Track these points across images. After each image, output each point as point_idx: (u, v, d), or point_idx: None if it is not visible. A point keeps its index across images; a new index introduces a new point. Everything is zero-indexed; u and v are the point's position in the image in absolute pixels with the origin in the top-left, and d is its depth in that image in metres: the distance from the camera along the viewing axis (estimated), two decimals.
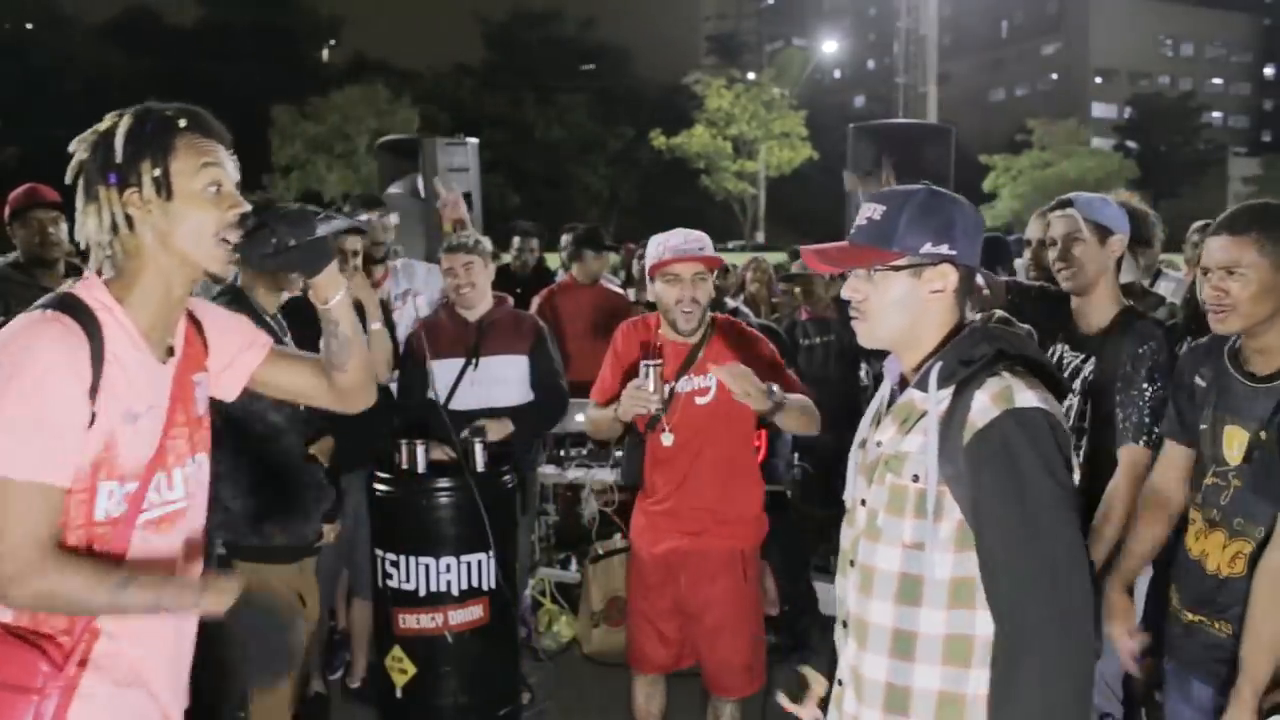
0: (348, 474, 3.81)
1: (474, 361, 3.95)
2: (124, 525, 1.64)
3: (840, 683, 1.86)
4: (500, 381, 3.96)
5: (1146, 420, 2.66)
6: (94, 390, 1.58)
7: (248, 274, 3.27)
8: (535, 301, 5.72)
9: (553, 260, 7.72)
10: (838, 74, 72.70)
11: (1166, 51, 70.77)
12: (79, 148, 1.68)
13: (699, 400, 3.18)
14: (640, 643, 3.33)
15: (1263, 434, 2.20)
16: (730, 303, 6.45)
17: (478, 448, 3.63)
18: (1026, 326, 1.84)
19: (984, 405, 1.63)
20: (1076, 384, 2.80)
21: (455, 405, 3.91)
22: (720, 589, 3.20)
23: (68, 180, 1.68)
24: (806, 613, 4.55)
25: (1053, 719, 1.58)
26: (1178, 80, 67.28)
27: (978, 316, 1.79)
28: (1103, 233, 2.78)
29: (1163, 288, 4.30)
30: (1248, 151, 57.16)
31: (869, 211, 1.77)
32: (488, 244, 4.10)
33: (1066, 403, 2.80)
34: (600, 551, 4.58)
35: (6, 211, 4.18)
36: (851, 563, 1.81)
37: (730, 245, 39.31)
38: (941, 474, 1.66)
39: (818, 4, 70.48)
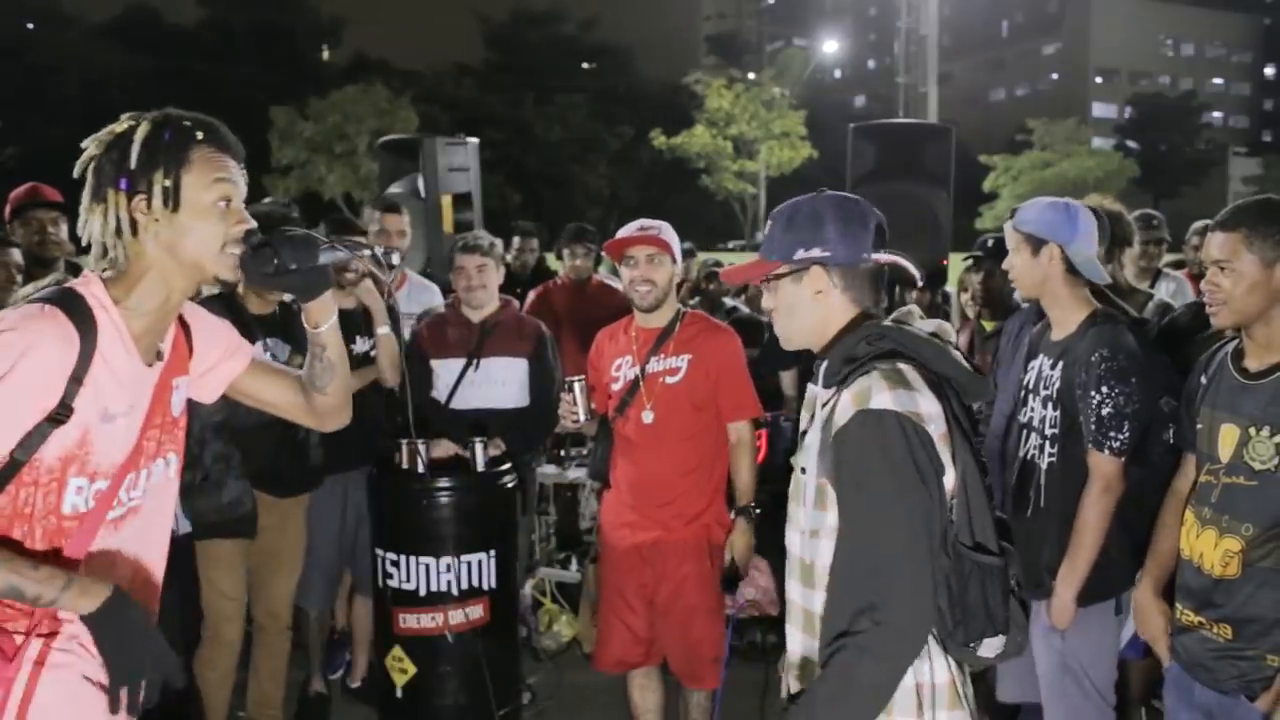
0: (349, 473, 3.82)
1: (475, 362, 3.95)
2: (91, 522, 1.66)
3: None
4: (499, 383, 3.97)
5: (1094, 428, 2.62)
6: (77, 387, 1.59)
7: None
8: (529, 298, 5.62)
9: (553, 260, 7.72)
10: (838, 74, 72.76)
11: (1167, 51, 70.82)
12: (92, 145, 1.68)
13: (669, 380, 3.26)
14: (608, 639, 3.37)
15: (1252, 430, 2.21)
16: (729, 302, 6.45)
17: (478, 448, 3.64)
18: (935, 322, 1.85)
19: (845, 405, 1.72)
20: (1049, 391, 2.75)
21: (455, 405, 3.93)
22: (687, 577, 3.25)
23: (76, 175, 1.69)
24: None
25: (841, 704, 1.65)
26: (1178, 80, 67.33)
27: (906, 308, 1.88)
28: (1034, 243, 2.73)
29: (1163, 288, 4.30)
30: (1248, 151, 57.16)
31: (768, 226, 1.95)
32: (501, 247, 4.14)
33: (1041, 412, 2.78)
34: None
35: (8, 210, 4.19)
36: None
37: (730, 245, 39.33)
38: (822, 468, 1.75)
39: (818, 4, 70.51)
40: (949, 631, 1.71)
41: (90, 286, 1.66)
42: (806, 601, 1.81)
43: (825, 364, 1.84)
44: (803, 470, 1.84)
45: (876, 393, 1.68)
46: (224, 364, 1.92)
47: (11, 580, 1.54)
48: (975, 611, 1.69)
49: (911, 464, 1.65)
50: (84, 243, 1.69)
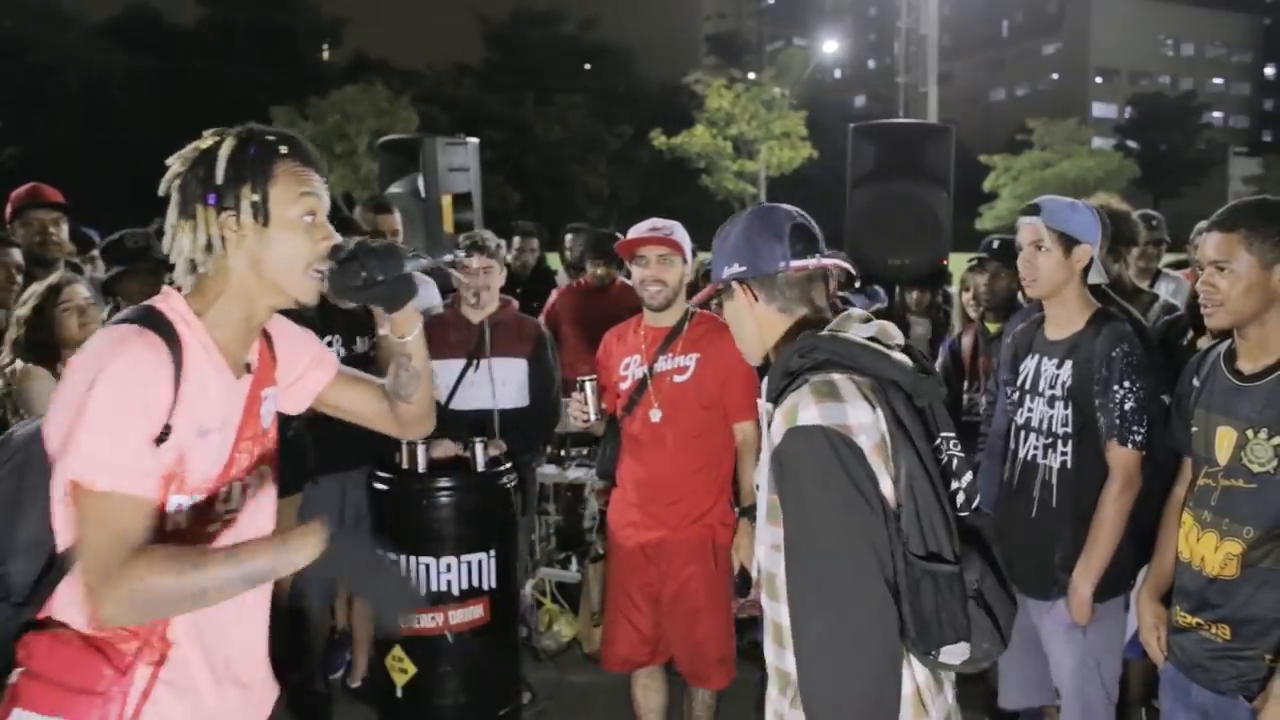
0: (348, 472, 3.81)
1: (475, 362, 3.96)
2: (190, 538, 1.65)
3: None
4: (500, 383, 3.97)
5: (1117, 422, 2.64)
6: (172, 405, 1.58)
7: None
8: (551, 297, 5.72)
9: (553, 260, 7.72)
10: (838, 74, 72.72)
11: (1167, 51, 70.80)
12: (177, 162, 1.67)
13: (677, 379, 3.27)
14: (614, 638, 3.37)
15: (1249, 432, 2.20)
16: None
17: (478, 448, 3.64)
18: (876, 324, 1.81)
19: (778, 423, 1.71)
20: (1056, 390, 2.76)
21: (455, 405, 3.93)
22: (692, 576, 3.25)
23: (161, 192, 1.67)
24: None
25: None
26: (1178, 80, 67.31)
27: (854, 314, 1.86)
28: (1067, 242, 2.72)
29: (1163, 288, 4.30)
30: (1248, 151, 57.07)
31: None
32: (505, 248, 4.16)
33: (1046, 411, 2.78)
34: (600, 551, 4.58)
35: (9, 210, 4.19)
36: None
37: None
38: (771, 483, 1.75)
39: (818, 4, 70.47)
40: (912, 639, 1.69)
41: (171, 301, 1.66)
42: (774, 613, 1.80)
43: (765, 380, 1.84)
44: (756, 486, 1.83)
45: (803, 409, 1.67)
46: (311, 374, 1.90)
47: (232, 571, 1.51)
48: (930, 620, 1.67)
49: (845, 478, 1.63)
50: (170, 259, 1.67)
